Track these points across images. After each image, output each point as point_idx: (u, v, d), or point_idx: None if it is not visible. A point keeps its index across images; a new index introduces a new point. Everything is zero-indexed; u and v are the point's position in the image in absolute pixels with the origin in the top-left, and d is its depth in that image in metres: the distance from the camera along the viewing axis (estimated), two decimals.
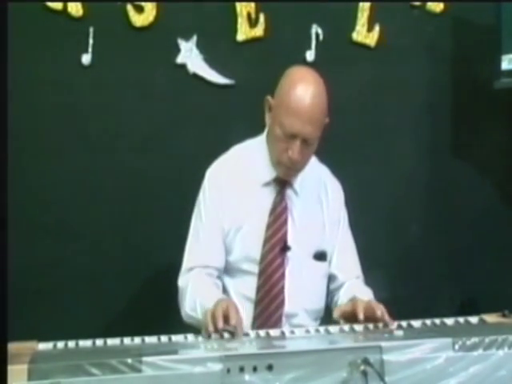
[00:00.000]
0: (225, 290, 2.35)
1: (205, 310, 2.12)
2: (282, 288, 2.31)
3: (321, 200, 2.43)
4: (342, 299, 2.35)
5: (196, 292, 2.25)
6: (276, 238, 2.32)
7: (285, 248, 2.32)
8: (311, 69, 2.37)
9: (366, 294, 2.30)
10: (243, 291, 2.32)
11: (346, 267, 2.43)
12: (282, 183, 2.36)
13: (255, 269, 2.32)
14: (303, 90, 2.23)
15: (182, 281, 2.33)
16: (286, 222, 2.34)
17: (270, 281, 2.31)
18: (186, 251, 2.36)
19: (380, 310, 2.09)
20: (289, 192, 2.37)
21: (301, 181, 2.38)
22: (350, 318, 2.15)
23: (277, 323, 2.28)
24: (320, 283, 2.41)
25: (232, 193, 2.35)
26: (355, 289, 2.35)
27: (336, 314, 2.21)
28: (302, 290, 2.34)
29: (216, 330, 2.00)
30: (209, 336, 2.00)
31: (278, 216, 2.34)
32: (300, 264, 2.35)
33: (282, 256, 2.31)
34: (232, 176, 2.36)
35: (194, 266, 2.32)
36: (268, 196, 2.36)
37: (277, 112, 2.27)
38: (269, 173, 2.35)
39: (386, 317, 2.09)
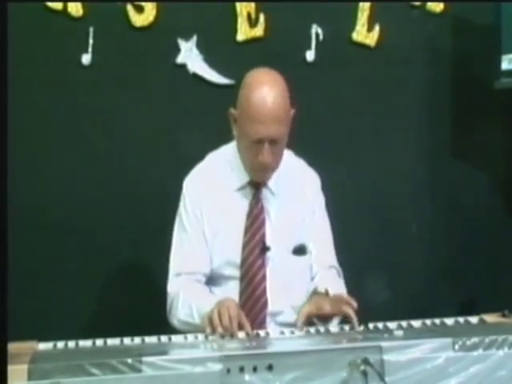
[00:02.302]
0: None
1: (203, 314, 2.13)
2: (264, 289, 2.32)
3: (298, 194, 2.41)
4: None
5: (190, 298, 2.26)
6: (255, 241, 2.32)
7: (264, 249, 2.32)
8: (266, 69, 2.32)
9: (334, 287, 2.26)
10: (227, 296, 2.28)
11: (319, 256, 2.41)
12: (257, 185, 2.36)
13: (237, 273, 2.33)
14: (259, 93, 2.22)
15: (172, 287, 2.34)
16: (263, 223, 2.34)
17: (252, 284, 2.31)
18: (172, 259, 2.37)
19: (348, 305, 2.08)
20: (264, 193, 2.37)
21: (276, 179, 2.37)
22: (319, 318, 2.14)
23: (262, 324, 2.28)
24: (303, 278, 2.39)
25: (209, 200, 2.36)
26: (323, 281, 2.31)
27: (300, 320, 2.15)
28: (285, 288, 2.33)
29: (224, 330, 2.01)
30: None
31: (255, 218, 2.34)
32: (281, 262, 2.34)
33: (262, 257, 2.32)
34: (208, 184, 2.38)
35: (181, 272, 2.34)
36: (244, 200, 2.36)
37: (240, 122, 2.28)
38: (242, 177, 2.36)
39: (352, 314, 2.07)
